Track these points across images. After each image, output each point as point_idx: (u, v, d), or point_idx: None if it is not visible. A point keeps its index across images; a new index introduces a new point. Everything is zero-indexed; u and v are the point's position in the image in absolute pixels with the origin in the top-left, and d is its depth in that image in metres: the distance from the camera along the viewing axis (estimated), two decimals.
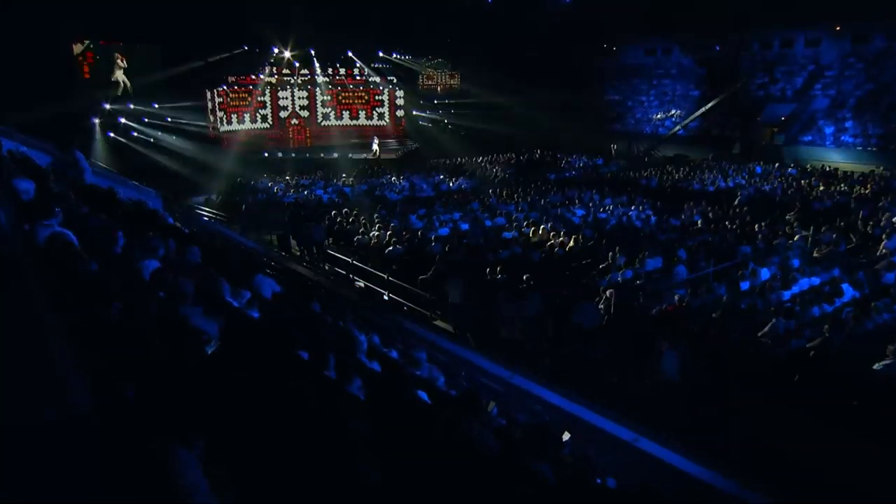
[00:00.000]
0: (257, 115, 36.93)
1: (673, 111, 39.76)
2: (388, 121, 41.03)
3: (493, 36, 38.27)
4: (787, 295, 9.86)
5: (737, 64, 38.94)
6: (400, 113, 41.43)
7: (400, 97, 41.12)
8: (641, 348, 8.48)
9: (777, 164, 28.11)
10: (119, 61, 29.46)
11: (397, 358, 5.98)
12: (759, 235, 13.61)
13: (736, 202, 18.75)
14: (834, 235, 13.20)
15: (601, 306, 9.39)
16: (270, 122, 37.42)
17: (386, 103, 40.81)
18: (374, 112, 40.62)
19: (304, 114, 38.50)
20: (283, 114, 37.86)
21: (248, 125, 36.55)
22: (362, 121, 40.33)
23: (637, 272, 11.05)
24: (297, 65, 36.48)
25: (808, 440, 6.32)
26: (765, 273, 10.78)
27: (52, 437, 1.45)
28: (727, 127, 36.05)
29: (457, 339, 8.88)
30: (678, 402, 7.65)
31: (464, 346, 8.33)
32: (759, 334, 8.17)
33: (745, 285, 10.20)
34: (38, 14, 23.91)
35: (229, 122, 35.59)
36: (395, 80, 40.54)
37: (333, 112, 39.39)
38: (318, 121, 39.01)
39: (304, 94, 38.29)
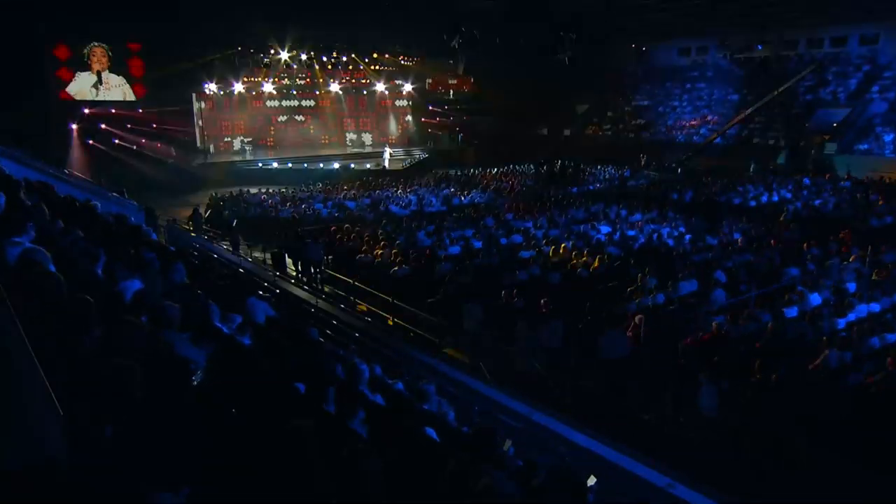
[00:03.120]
0: (251, 120, 37.37)
1: (709, 117, 39.75)
2: (393, 128, 41.38)
3: (510, 35, 38.54)
4: (841, 323, 9.73)
5: (781, 64, 38.92)
6: (406, 119, 41.80)
7: (406, 102, 41.51)
8: (675, 382, 8.39)
9: (828, 176, 27.94)
10: (95, 59, 29.99)
11: (403, 390, 5.96)
12: (809, 256, 13.48)
13: (782, 218, 18.63)
14: None
15: (630, 334, 9.32)
16: (265, 129, 37.85)
17: (391, 109, 41.19)
18: (379, 118, 40.99)
19: (302, 120, 38.92)
20: (278, 119, 38.29)
21: (240, 132, 36.97)
22: (365, 128, 40.71)
23: (670, 296, 10.97)
24: (295, 67, 36.91)
25: (868, 492, 6.20)
26: (815, 298, 10.67)
27: (20, 485, 1.44)
28: (771, 134, 35.95)
29: (469, 369, 8.85)
30: (717, 443, 7.55)
31: (477, 377, 8.30)
32: (810, 367, 8.07)
33: (792, 312, 10.10)
34: (9, 12, 24.37)
35: (220, 129, 36.01)
36: (400, 83, 40.94)
37: (334, 118, 39.80)
38: (317, 127, 39.41)
39: (302, 98, 38.77)
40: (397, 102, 41.54)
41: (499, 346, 9.91)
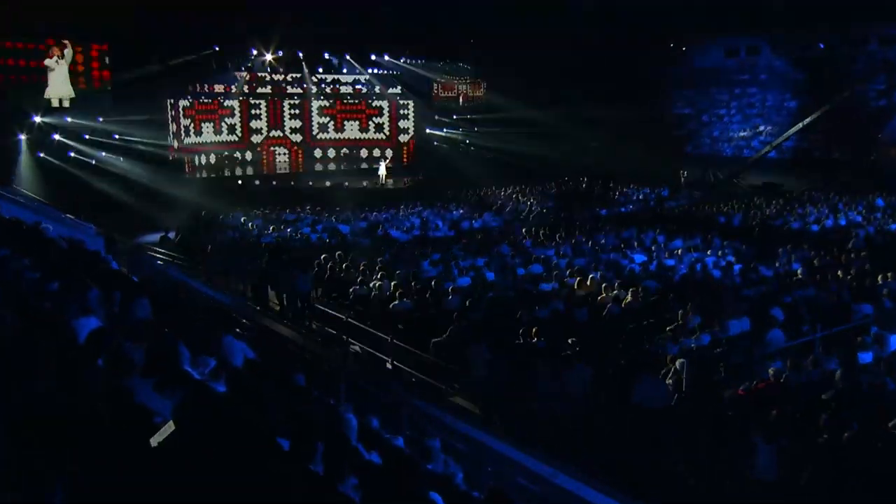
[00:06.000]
0: (230, 132, 37.70)
1: (762, 127, 39.91)
2: (394, 141, 41.61)
3: (529, 34, 38.93)
4: None
5: (848, 65, 39.07)
6: (410, 131, 42.06)
7: (410, 111, 41.81)
8: (725, 439, 8.29)
9: None
10: (56, 59, 30.48)
11: (403, 447, 5.94)
12: (885, 290, 13.39)
13: (850, 245, 18.58)
14: None
15: (669, 381, 9.26)
16: (246, 141, 38.16)
17: (392, 119, 41.49)
18: (377, 130, 41.29)
19: (289, 131, 39.27)
20: (262, 131, 38.63)
21: (218, 145, 37.27)
22: (362, 140, 40.99)
23: (717, 337, 10.92)
24: (282, 70, 37.30)
25: None
26: (894, 341, 10.58)
27: None
28: (835, 147, 36.01)
29: (481, 422, 8.80)
30: None
31: (490, 432, 8.25)
32: (890, 424, 7.96)
33: (866, 357, 10.00)
34: None
35: (194, 141, 36.31)
36: (403, 90, 41.30)
37: (326, 129, 40.12)
38: (307, 140, 39.72)
39: (289, 107, 39.13)
40: (399, 110, 41.86)
41: (516, 394, 9.86)
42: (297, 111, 39.37)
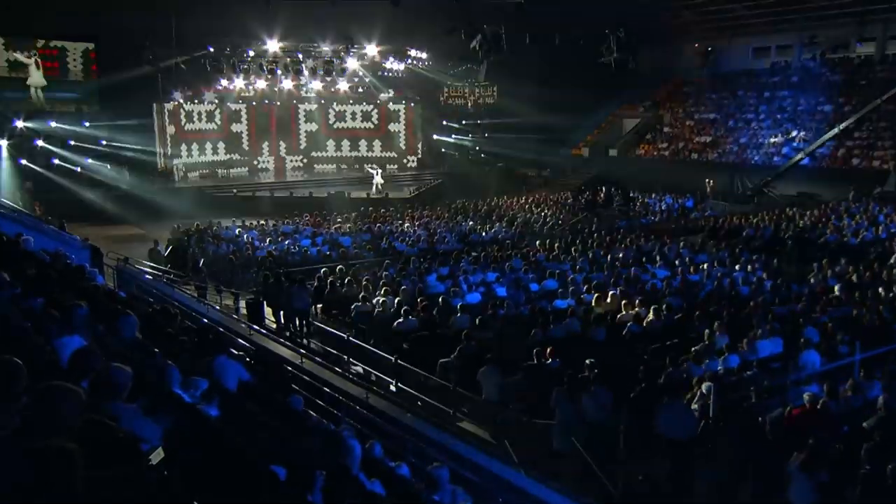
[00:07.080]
0: (224, 137, 37.90)
1: (794, 133, 39.79)
2: (399, 147, 41.74)
3: (543, 35, 39.00)
4: None
5: (889, 65, 38.89)
6: (415, 137, 42.16)
7: (412, 114, 41.93)
8: (757, 470, 8.22)
9: None
10: (35, 61, 30.93)
11: (408, 476, 5.91)
12: None
13: (892, 260, 18.49)
14: None
15: (695, 406, 9.20)
16: (241, 148, 38.36)
17: (397, 124, 41.64)
18: (381, 135, 41.42)
19: (286, 137, 39.45)
20: (257, 137, 38.81)
21: (210, 151, 37.47)
22: (364, 147, 41.13)
23: (746, 358, 10.86)
24: (279, 72, 37.47)
25: None
26: None
27: None
28: (875, 154, 35.81)
29: (492, 449, 8.76)
30: None
31: (502, 460, 8.21)
32: None
33: None
34: None
35: (186, 147, 36.51)
36: (409, 93, 41.44)
37: (325, 135, 40.28)
38: (305, 146, 39.89)
39: (287, 110, 39.29)
40: (405, 116, 41.98)
41: (529, 419, 9.81)
42: (294, 116, 39.57)
